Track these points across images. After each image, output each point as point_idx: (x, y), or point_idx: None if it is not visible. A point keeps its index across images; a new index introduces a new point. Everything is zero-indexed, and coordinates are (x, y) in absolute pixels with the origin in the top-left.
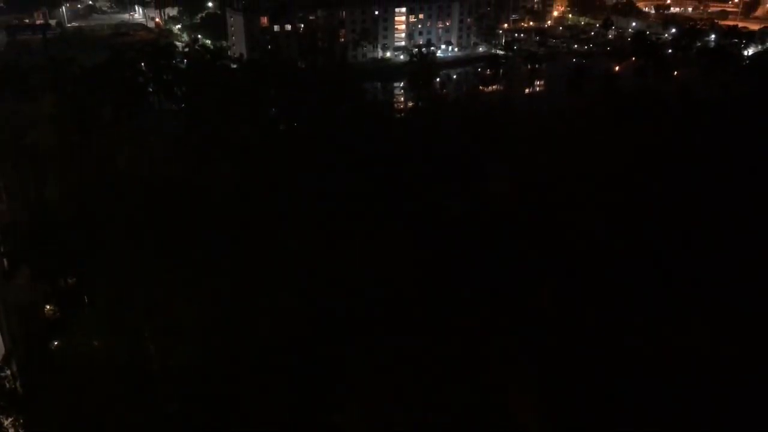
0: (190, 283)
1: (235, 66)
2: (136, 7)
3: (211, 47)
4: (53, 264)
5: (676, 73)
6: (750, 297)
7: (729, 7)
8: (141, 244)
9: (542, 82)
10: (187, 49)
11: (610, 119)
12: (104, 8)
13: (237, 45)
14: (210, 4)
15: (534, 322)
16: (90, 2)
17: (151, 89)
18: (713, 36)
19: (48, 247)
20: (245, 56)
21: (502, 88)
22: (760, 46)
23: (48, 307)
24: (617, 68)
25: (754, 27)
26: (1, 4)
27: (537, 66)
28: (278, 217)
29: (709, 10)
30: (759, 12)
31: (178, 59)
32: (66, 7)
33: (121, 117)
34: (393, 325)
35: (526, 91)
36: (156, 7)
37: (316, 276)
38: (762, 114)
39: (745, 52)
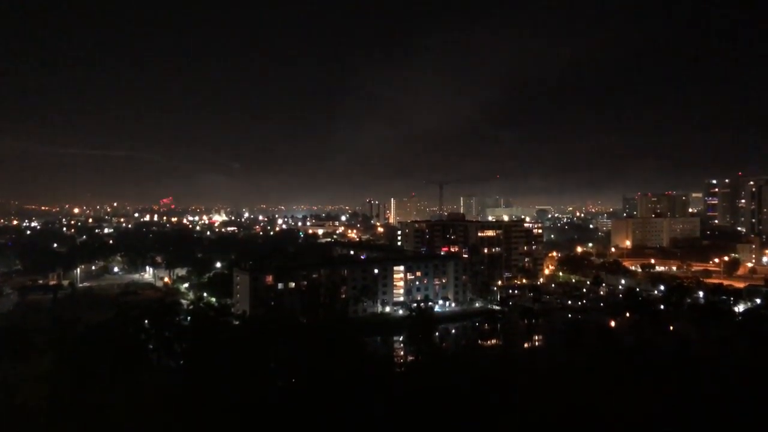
0: None
1: (237, 322)
2: (147, 268)
3: (215, 304)
4: None
5: (671, 328)
6: None
7: (711, 267)
8: None
9: (540, 337)
10: (191, 307)
11: (612, 375)
12: (116, 269)
13: (241, 302)
14: (218, 265)
15: None
16: (103, 263)
17: (151, 346)
18: (701, 293)
19: None
20: (248, 313)
21: (500, 342)
22: (749, 303)
23: None
24: (612, 323)
25: (739, 285)
26: (19, 267)
27: (533, 321)
28: None
29: (693, 269)
30: (741, 271)
31: (182, 316)
32: (81, 268)
33: (118, 374)
34: None
35: (525, 345)
36: (166, 268)
37: None
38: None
39: (736, 309)
